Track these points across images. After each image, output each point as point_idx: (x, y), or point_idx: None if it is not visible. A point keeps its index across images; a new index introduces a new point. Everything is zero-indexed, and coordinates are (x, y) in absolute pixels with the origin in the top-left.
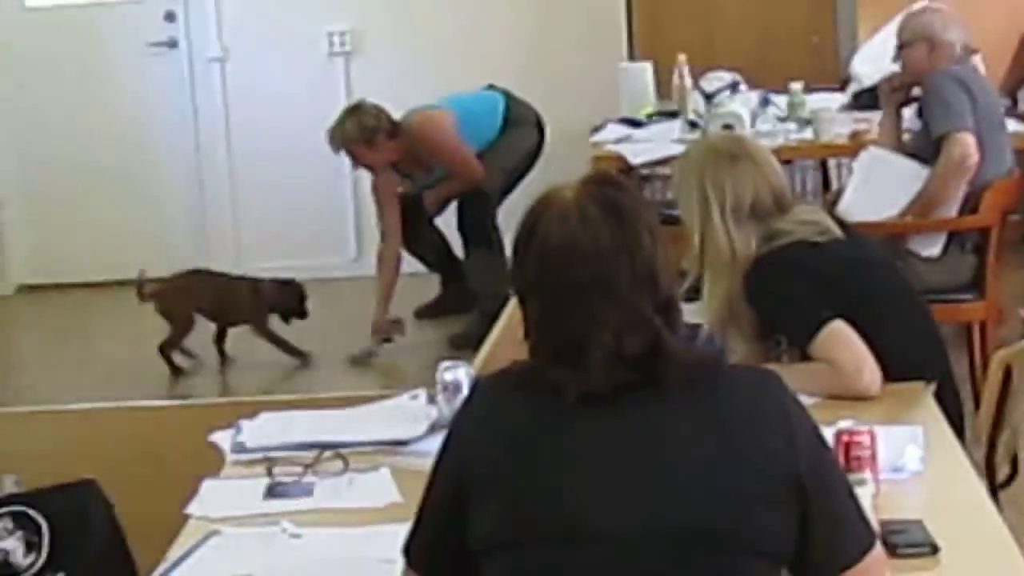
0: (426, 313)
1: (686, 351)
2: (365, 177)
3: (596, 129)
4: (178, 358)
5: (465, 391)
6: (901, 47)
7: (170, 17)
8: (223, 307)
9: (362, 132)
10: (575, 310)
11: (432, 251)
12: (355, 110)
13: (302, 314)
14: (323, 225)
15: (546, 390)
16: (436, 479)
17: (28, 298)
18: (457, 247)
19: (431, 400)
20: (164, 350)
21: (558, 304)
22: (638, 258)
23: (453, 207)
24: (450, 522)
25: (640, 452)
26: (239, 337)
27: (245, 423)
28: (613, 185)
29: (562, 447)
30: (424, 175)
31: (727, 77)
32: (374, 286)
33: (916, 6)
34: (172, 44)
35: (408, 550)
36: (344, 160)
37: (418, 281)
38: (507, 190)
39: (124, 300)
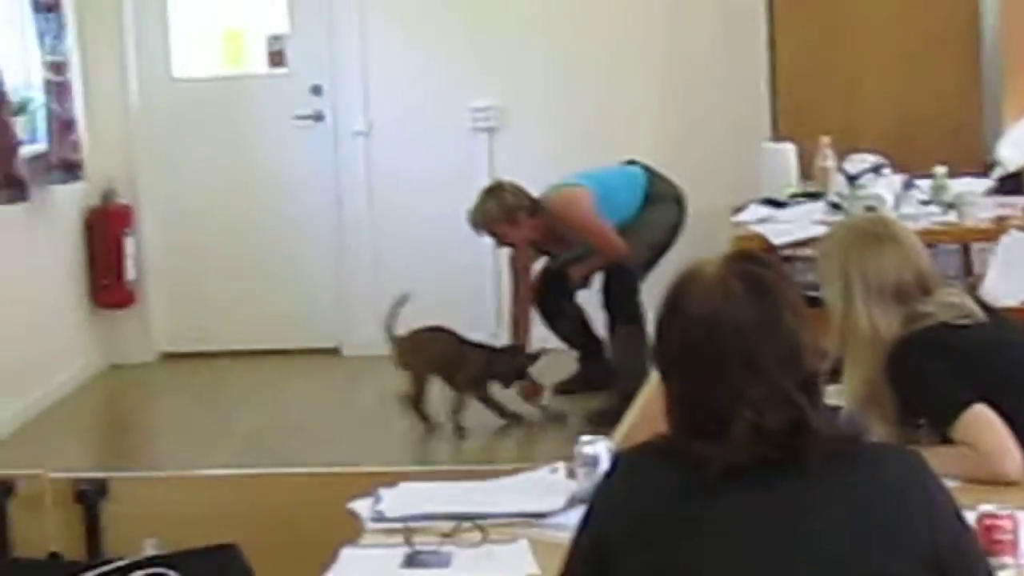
0: (564, 389)
1: (828, 427)
2: (506, 251)
3: (738, 209)
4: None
5: (604, 465)
6: None
7: (316, 91)
8: (451, 365)
9: (503, 210)
10: (717, 384)
11: (574, 327)
12: (495, 189)
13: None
14: (463, 301)
15: (688, 464)
16: (577, 549)
17: (170, 366)
18: (597, 323)
19: (570, 474)
20: (406, 405)
21: (700, 378)
22: (781, 334)
23: (596, 283)
24: None
25: (783, 527)
26: None
27: (385, 491)
28: (756, 261)
29: (704, 521)
30: (565, 250)
31: (870, 159)
32: None
33: None
34: (318, 117)
35: None
36: (485, 236)
37: (557, 357)
38: (650, 265)
39: (263, 369)
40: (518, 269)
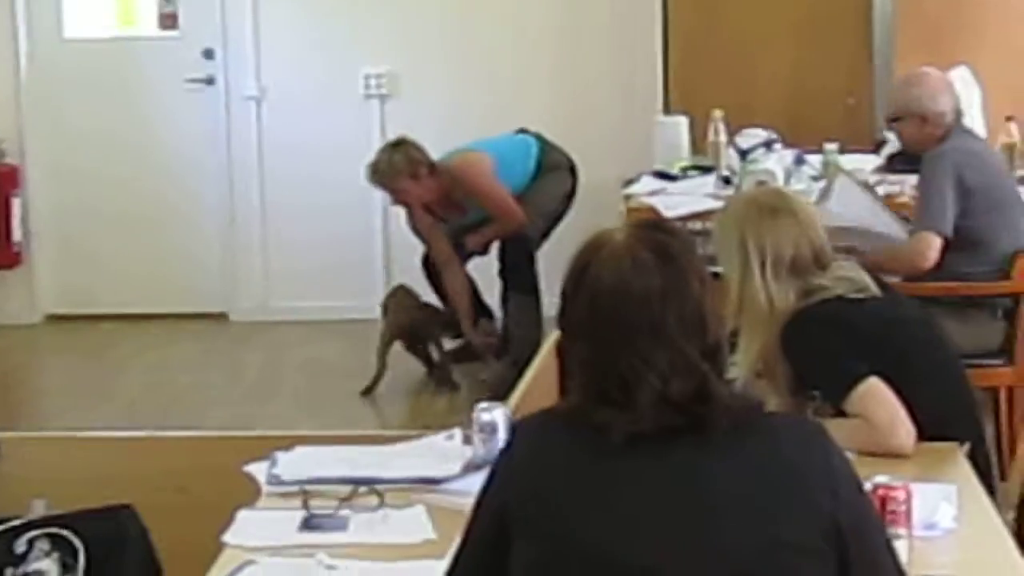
0: (455, 358)
1: (732, 397)
2: (396, 220)
3: (630, 181)
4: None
5: (502, 432)
6: (893, 120)
7: (208, 54)
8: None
9: (408, 164)
10: (624, 351)
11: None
12: (401, 143)
13: None
14: (352, 267)
15: (591, 431)
16: (478, 514)
17: (55, 328)
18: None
19: (467, 440)
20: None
21: (607, 345)
22: (688, 303)
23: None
24: (491, 559)
25: (683, 497)
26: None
27: (281, 455)
28: (663, 230)
29: (606, 488)
30: (457, 217)
31: (762, 134)
32: None
33: (904, 76)
34: (210, 81)
35: None
36: (375, 202)
37: None
38: (545, 234)
39: (149, 332)
40: (426, 233)
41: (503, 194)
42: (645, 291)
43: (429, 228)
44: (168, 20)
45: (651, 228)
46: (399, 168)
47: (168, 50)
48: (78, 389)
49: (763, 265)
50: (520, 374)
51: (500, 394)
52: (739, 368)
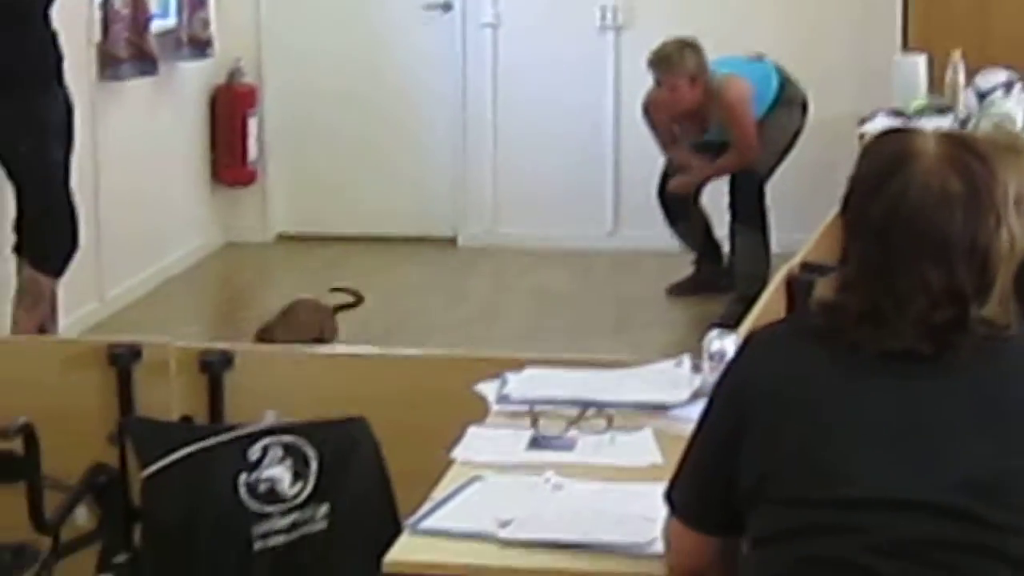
0: (678, 291)
1: (983, 324)
2: (628, 151)
3: (864, 120)
4: None
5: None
6: None
7: None
8: None
9: (697, 67)
10: (907, 270)
11: (696, 229)
12: (694, 45)
13: None
14: (581, 196)
15: (841, 344)
16: (708, 419)
17: (286, 247)
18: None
19: (695, 368)
20: None
21: (894, 257)
22: (980, 238)
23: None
24: (721, 465)
25: (918, 421)
26: None
27: (511, 375)
28: (976, 154)
29: (846, 404)
30: (694, 134)
31: (1003, 75)
32: (626, 260)
33: None
34: (447, 7)
35: (671, 496)
36: (607, 133)
37: (669, 259)
38: (774, 170)
39: (378, 255)
40: (665, 133)
41: (754, 126)
42: (947, 220)
43: (671, 133)
44: None
45: (964, 148)
46: (688, 66)
47: None
48: None
49: (1006, 198)
50: (747, 309)
51: (725, 327)
52: None
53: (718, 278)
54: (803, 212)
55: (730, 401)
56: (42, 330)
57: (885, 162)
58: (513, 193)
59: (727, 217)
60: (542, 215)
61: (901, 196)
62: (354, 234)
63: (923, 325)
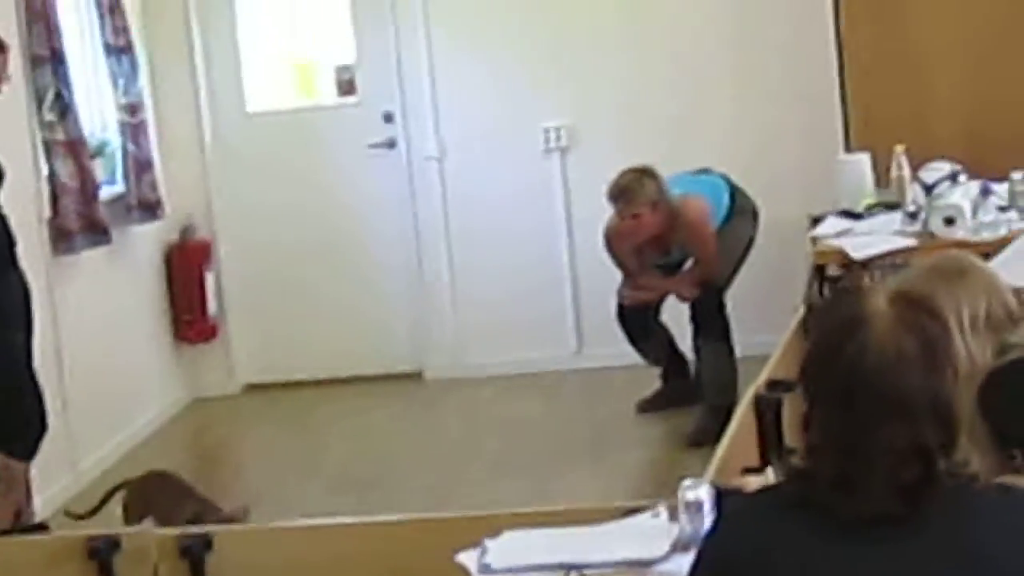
0: (648, 407)
1: (951, 477)
2: (585, 270)
3: (815, 222)
4: None
5: (707, 509)
6: None
7: (388, 118)
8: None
9: (658, 194)
10: (870, 433)
11: (660, 346)
12: (651, 172)
13: None
14: (543, 319)
15: (815, 512)
16: None
17: (254, 397)
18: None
19: (673, 518)
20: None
21: (856, 421)
22: (940, 395)
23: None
24: None
25: None
26: None
27: (490, 543)
28: (929, 314)
29: (820, 574)
30: (656, 256)
31: (946, 168)
32: (593, 380)
33: None
34: (391, 145)
35: None
36: (561, 254)
37: (637, 373)
38: (732, 280)
39: (346, 396)
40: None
41: (715, 241)
42: (905, 381)
43: (635, 260)
44: (346, 87)
45: (916, 307)
46: (649, 194)
47: (348, 117)
48: (282, 462)
49: (960, 326)
50: (717, 421)
51: (700, 443)
52: None
53: (686, 391)
54: (764, 316)
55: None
56: (18, 515)
57: (839, 328)
58: (474, 322)
59: (688, 329)
60: (505, 341)
61: (858, 361)
62: (320, 378)
63: (892, 486)
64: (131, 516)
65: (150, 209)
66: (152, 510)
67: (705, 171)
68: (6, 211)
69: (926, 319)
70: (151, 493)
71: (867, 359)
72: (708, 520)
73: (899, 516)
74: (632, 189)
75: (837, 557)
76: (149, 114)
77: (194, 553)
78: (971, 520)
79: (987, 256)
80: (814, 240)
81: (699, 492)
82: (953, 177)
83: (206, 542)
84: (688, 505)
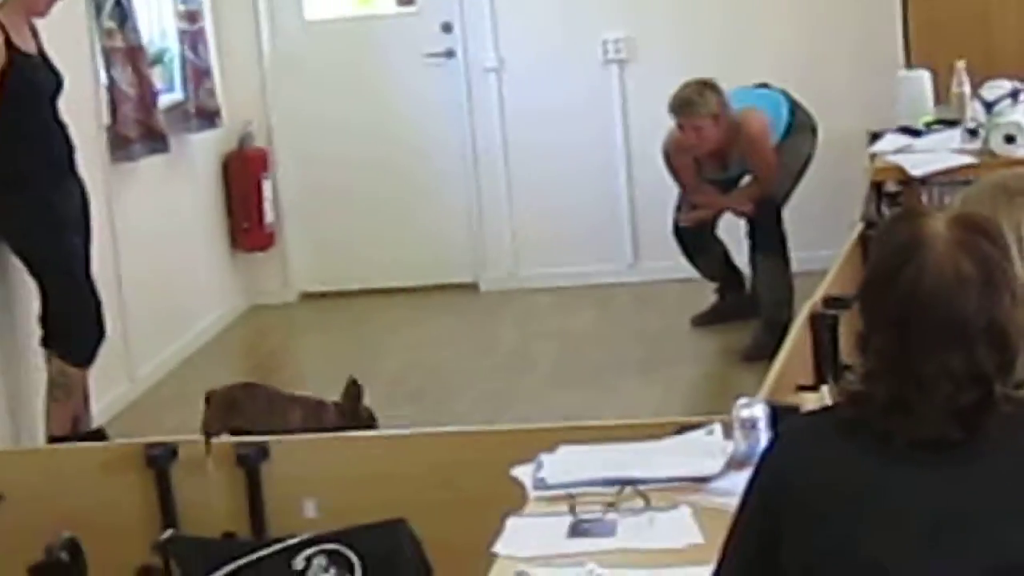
0: (703, 321)
1: (1010, 402)
2: (642, 183)
3: (874, 137)
4: None
5: (762, 427)
6: None
7: (447, 28)
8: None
9: (720, 106)
10: (927, 357)
11: (716, 261)
12: (713, 85)
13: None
14: (599, 232)
15: (868, 436)
16: (744, 518)
17: (310, 306)
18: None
19: (727, 435)
20: None
21: (913, 344)
22: (997, 318)
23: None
24: (758, 564)
25: (958, 510)
26: None
27: (545, 458)
28: (987, 237)
29: (880, 498)
30: (715, 170)
31: (1007, 85)
32: (649, 293)
33: None
34: (449, 55)
35: None
36: (619, 166)
37: (692, 288)
38: (790, 195)
39: (402, 306)
40: (687, 173)
41: (775, 157)
42: (963, 304)
43: (694, 174)
44: None
45: (974, 231)
46: (711, 107)
47: (407, 26)
48: (336, 370)
49: (1020, 244)
50: (773, 336)
51: (755, 358)
52: None
53: (742, 306)
54: (821, 232)
55: (765, 500)
56: (76, 421)
57: (896, 251)
58: (530, 234)
59: (745, 244)
60: (561, 254)
61: (915, 284)
62: (376, 287)
63: (950, 410)
64: (212, 426)
65: (208, 117)
66: (239, 422)
67: (765, 85)
68: (65, 118)
69: (985, 242)
70: (238, 405)
71: (924, 283)
72: (763, 438)
73: (957, 440)
74: (694, 101)
75: (895, 480)
76: (208, 22)
77: (250, 462)
78: None
79: None
80: (872, 156)
81: (754, 410)
82: (1014, 95)
83: (263, 451)
84: (743, 422)
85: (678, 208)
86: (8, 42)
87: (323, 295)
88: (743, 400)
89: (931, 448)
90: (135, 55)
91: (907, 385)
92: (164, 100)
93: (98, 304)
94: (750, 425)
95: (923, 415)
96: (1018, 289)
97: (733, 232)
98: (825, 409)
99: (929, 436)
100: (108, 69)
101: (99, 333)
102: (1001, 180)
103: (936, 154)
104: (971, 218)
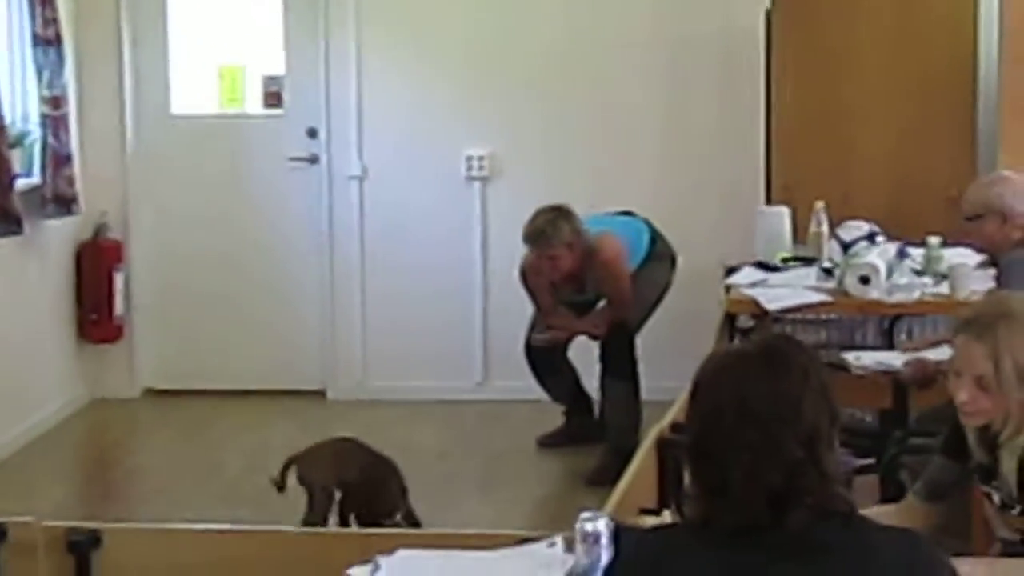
0: (549, 442)
1: (825, 494)
2: (497, 301)
3: (730, 271)
4: None
5: (604, 542)
6: (971, 219)
7: (312, 133)
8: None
9: (573, 235)
10: (717, 436)
11: (566, 384)
12: (568, 212)
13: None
14: (450, 347)
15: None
16: None
17: (154, 402)
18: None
19: (568, 549)
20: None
21: (705, 433)
22: (783, 391)
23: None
24: None
25: None
26: None
27: (383, 560)
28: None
29: None
30: (571, 293)
31: (864, 227)
32: (496, 412)
33: (986, 176)
34: (313, 160)
35: None
36: (475, 284)
37: (540, 409)
38: (644, 323)
39: (247, 409)
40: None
41: (629, 282)
42: (742, 378)
43: (550, 295)
44: (273, 99)
45: (772, 339)
46: (564, 237)
47: (272, 129)
48: (177, 468)
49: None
50: (619, 461)
51: (600, 482)
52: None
53: (589, 429)
54: (673, 361)
55: None
56: None
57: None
58: (382, 345)
59: (596, 367)
60: (411, 367)
61: (700, 375)
62: (222, 388)
63: (754, 490)
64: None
65: (65, 204)
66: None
67: (628, 213)
68: None
69: (777, 342)
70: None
71: (707, 369)
72: (604, 553)
73: (763, 525)
74: (546, 232)
75: (719, 565)
76: (72, 108)
77: (81, 548)
78: (850, 550)
79: (898, 318)
80: (728, 289)
81: (597, 524)
82: (871, 237)
83: (95, 538)
84: (585, 536)
85: (532, 327)
86: None
87: (168, 392)
88: (587, 513)
89: (748, 533)
90: None
91: (709, 474)
92: (21, 183)
93: None
94: (593, 540)
95: (731, 497)
96: (811, 369)
97: (585, 355)
98: (667, 526)
99: (742, 521)
100: None
101: None
102: (987, 308)
103: (791, 290)
104: (777, 336)
